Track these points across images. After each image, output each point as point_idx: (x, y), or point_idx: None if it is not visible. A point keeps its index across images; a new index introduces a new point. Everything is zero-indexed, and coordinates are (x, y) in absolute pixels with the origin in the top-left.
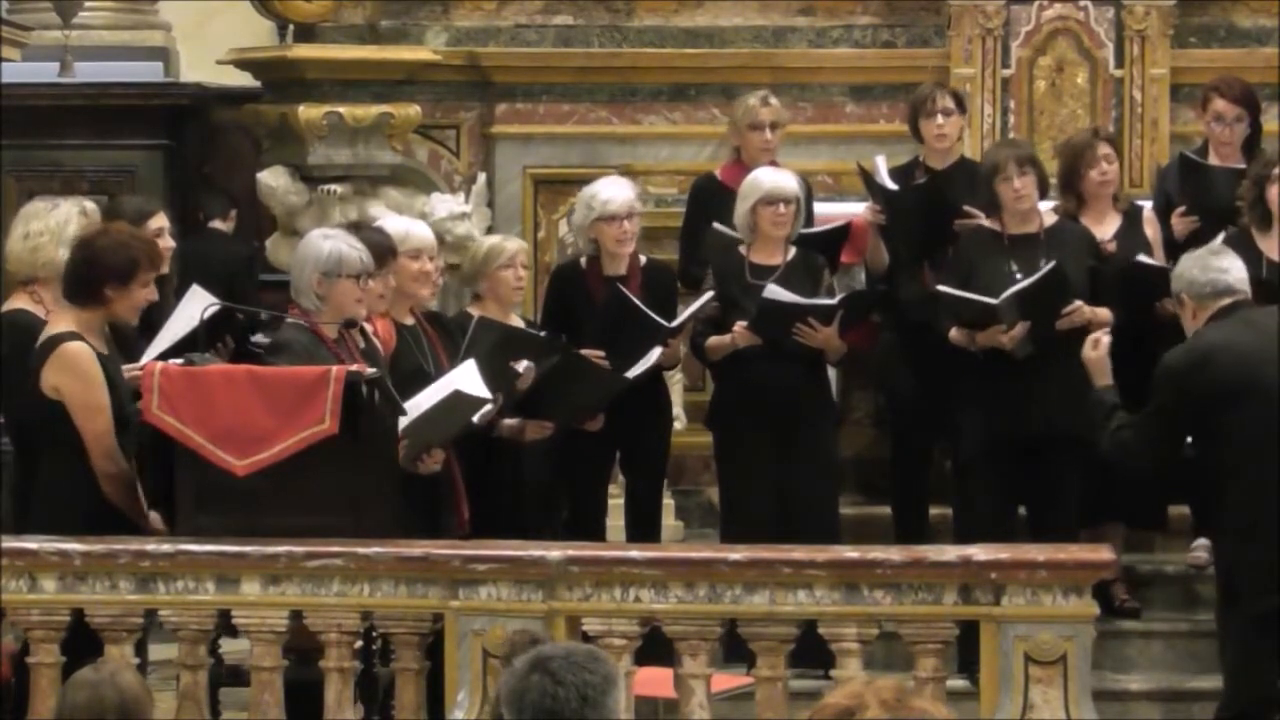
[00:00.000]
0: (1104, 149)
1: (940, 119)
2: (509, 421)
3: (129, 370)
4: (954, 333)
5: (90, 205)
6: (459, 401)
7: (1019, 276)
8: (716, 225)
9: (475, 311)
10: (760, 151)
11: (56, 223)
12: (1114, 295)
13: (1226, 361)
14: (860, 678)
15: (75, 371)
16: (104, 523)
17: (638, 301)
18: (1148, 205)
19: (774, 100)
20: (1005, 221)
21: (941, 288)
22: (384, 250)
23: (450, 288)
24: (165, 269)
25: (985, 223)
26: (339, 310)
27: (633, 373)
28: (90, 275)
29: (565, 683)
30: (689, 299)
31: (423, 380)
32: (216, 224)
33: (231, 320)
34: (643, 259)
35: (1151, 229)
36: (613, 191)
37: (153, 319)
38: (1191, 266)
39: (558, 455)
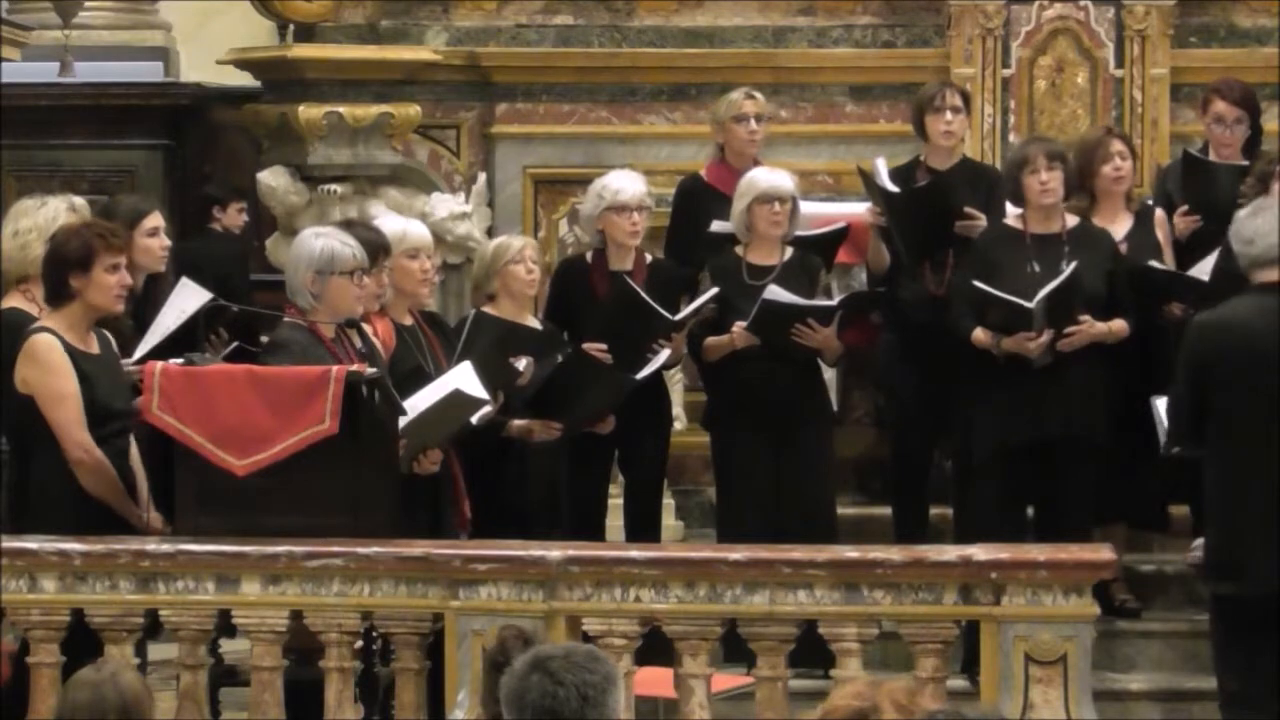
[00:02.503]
0: (1117, 145)
1: (949, 115)
2: (518, 422)
3: (126, 364)
4: (978, 333)
5: (79, 201)
6: (457, 401)
7: (1041, 276)
8: (716, 223)
9: (491, 311)
10: (745, 144)
11: (45, 220)
12: (1126, 299)
13: (1235, 337)
14: (863, 677)
15: (37, 361)
16: (96, 518)
17: (643, 294)
18: (1160, 207)
19: (758, 94)
20: (1028, 220)
21: (978, 284)
22: (376, 247)
23: (451, 288)
24: (162, 268)
25: (1009, 223)
26: (334, 308)
27: (641, 374)
28: (53, 271)
29: (565, 683)
30: (684, 300)
31: (422, 380)
32: (215, 226)
33: (225, 314)
34: (649, 257)
35: (1163, 230)
36: (624, 182)
37: (146, 317)
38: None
39: (559, 455)
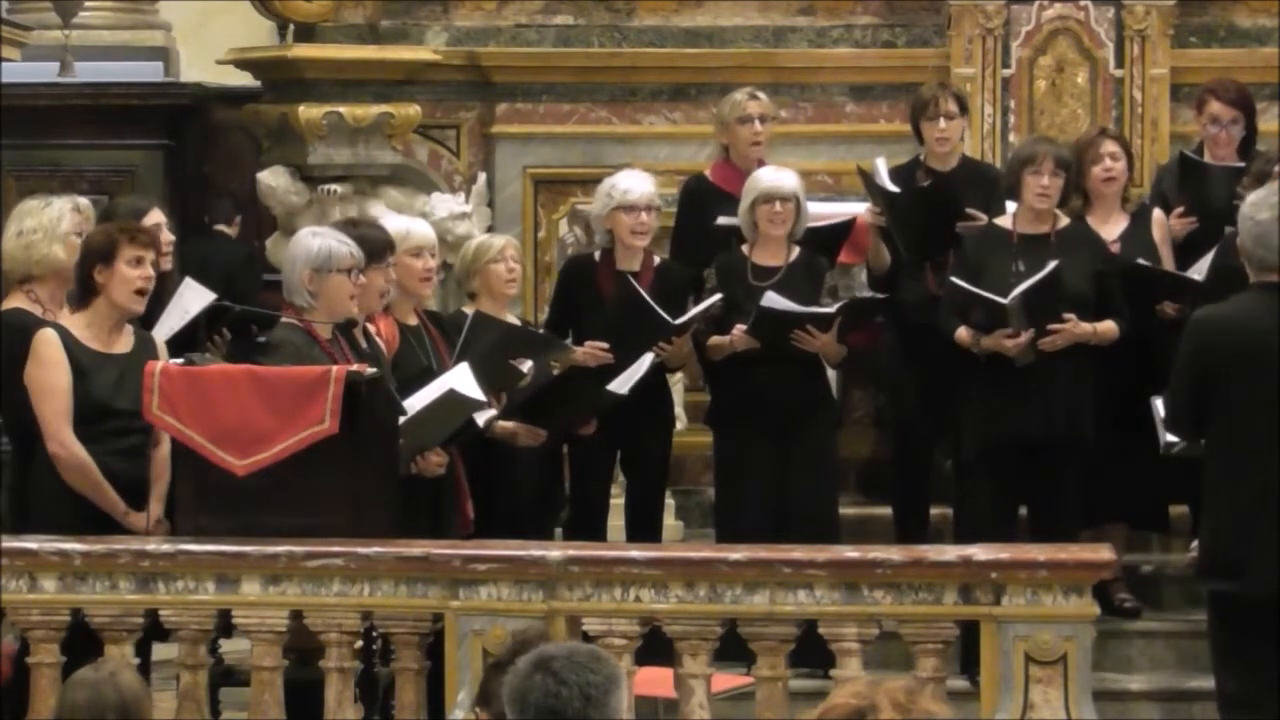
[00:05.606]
0: (1109, 146)
1: (942, 122)
2: (503, 424)
3: None
4: (961, 332)
5: (83, 202)
6: (452, 402)
7: (1025, 276)
8: (722, 218)
9: (471, 310)
10: (750, 145)
11: (50, 219)
12: (1120, 301)
13: (1235, 335)
14: (863, 677)
15: (35, 355)
16: (96, 515)
17: (646, 295)
18: (1157, 208)
19: (762, 95)
20: (1017, 219)
21: (954, 279)
22: (382, 245)
23: (451, 288)
24: (168, 265)
25: (999, 222)
26: (331, 306)
27: (626, 387)
28: (82, 267)
29: (568, 683)
30: (692, 300)
31: (428, 380)
32: (221, 228)
33: (227, 315)
34: (657, 258)
35: (1159, 231)
36: (633, 182)
37: (153, 314)
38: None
39: (560, 456)
